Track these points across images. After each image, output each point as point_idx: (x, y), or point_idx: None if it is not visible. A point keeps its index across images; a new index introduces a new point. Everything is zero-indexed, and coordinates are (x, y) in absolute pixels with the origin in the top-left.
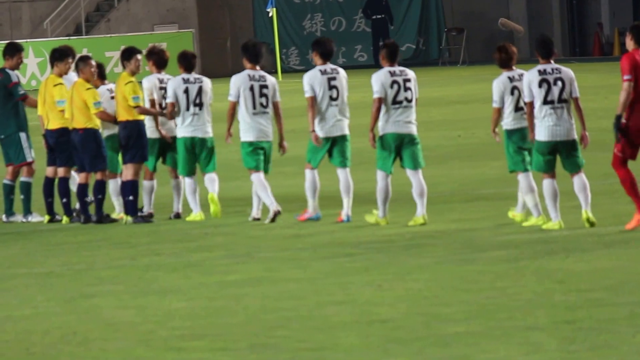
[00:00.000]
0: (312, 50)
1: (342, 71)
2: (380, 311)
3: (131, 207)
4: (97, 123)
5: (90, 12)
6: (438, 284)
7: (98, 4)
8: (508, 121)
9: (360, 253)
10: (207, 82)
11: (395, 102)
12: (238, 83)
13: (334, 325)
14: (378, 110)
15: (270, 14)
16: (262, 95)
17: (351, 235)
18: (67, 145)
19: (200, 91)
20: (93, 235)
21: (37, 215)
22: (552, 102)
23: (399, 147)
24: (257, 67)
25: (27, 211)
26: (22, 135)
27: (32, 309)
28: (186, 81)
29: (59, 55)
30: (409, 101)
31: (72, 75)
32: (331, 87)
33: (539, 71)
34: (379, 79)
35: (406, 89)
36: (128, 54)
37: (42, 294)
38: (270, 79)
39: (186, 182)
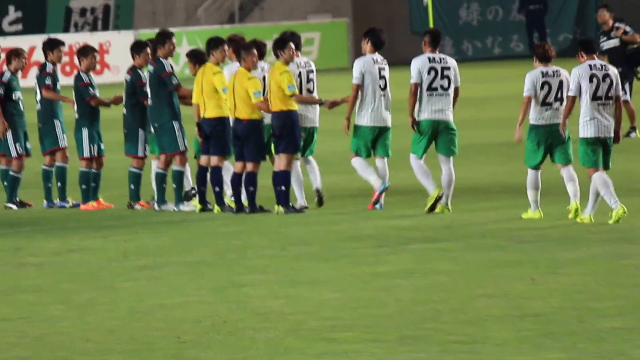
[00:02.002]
0: (364, 37)
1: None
2: (533, 305)
3: (283, 198)
4: (260, 114)
5: (244, 0)
6: (592, 278)
7: None
8: (533, 116)
9: (513, 246)
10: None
11: (430, 88)
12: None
13: (485, 318)
14: (414, 95)
15: (425, 3)
16: (309, 80)
17: (503, 227)
18: (223, 134)
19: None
20: (244, 225)
21: (188, 204)
22: (600, 98)
23: (435, 133)
24: (299, 54)
25: (179, 200)
26: (176, 124)
27: (183, 297)
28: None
29: (214, 44)
30: (445, 89)
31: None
32: (381, 77)
33: (590, 65)
34: (416, 65)
35: (443, 76)
36: (282, 43)
37: (193, 282)
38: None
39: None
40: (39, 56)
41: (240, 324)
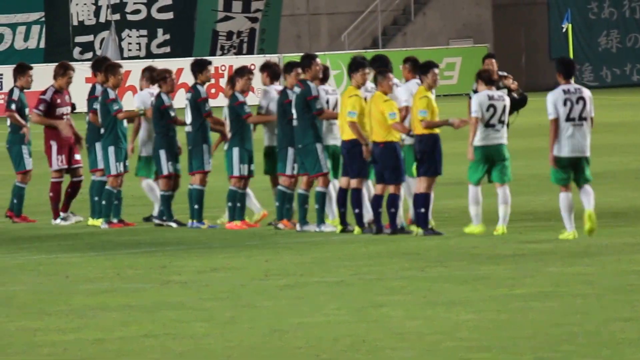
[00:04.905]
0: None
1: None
2: None
3: (422, 220)
4: (397, 136)
5: (387, 25)
6: None
7: (395, 17)
8: (477, 137)
9: None
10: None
11: None
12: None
13: (620, 341)
14: (405, 117)
15: (564, 29)
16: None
17: None
18: (360, 157)
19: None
20: (384, 246)
21: (329, 225)
22: (573, 119)
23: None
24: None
25: (321, 221)
26: (319, 146)
27: (323, 316)
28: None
29: (355, 67)
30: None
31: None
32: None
33: (564, 90)
34: (408, 90)
35: None
36: (425, 69)
37: (333, 302)
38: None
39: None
40: (185, 78)
41: (378, 343)
